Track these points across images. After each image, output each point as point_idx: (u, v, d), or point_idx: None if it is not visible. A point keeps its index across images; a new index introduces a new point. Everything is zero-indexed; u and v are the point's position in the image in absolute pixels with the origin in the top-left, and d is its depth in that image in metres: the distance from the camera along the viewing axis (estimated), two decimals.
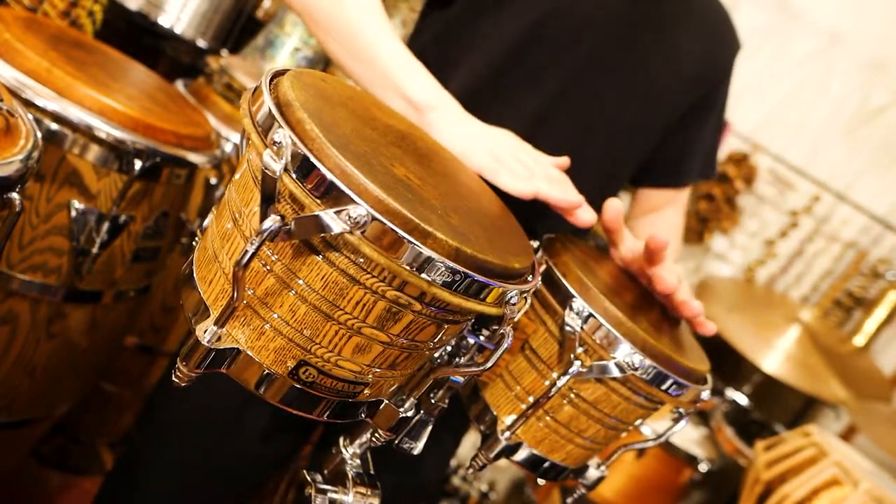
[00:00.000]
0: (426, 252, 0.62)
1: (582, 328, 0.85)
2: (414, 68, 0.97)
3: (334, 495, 0.87)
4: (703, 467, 2.29)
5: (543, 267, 0.90)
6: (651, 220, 1.34)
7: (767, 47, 2.97)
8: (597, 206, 1.32)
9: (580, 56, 1.13)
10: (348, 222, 0.59)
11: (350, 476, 0.89)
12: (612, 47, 1.14)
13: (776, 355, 2.58)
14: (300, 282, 0.65)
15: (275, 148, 0.61)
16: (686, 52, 1.20)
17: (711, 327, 0.99)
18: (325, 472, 0.92)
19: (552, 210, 0.94)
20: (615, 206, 0.96)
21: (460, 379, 0.84)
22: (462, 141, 0.92)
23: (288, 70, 0.74)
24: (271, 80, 0.71)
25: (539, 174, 0.95)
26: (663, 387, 0.86)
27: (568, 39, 1.13)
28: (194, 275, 0.74)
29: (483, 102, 1.06)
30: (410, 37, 1.24)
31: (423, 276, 0.62)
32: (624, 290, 0.98)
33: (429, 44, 1.18)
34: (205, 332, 0.67)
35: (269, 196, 0.62)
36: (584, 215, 0.94)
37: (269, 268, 0.66)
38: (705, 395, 0.91)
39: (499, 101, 1.13)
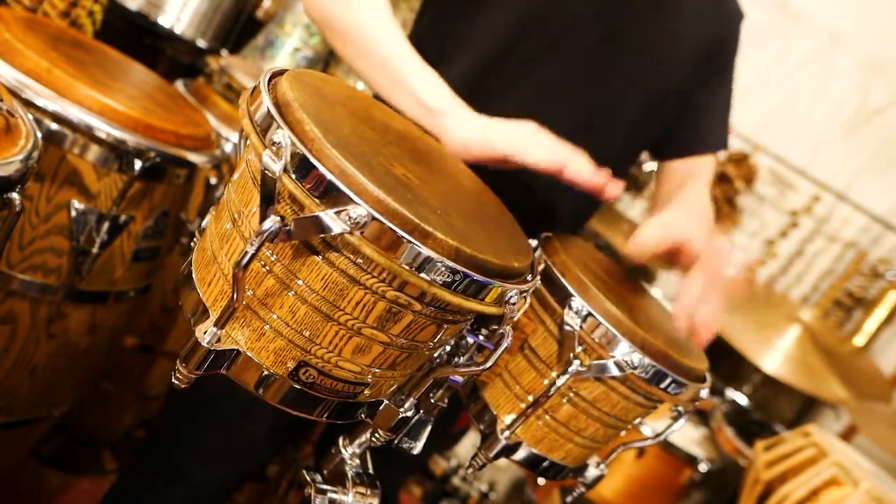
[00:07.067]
0: (426, 252, 0.62)
1: (581, 327, 0.85)
2: (428, 75, 0.98)
3: (334, 495, 0.87)
4: (703, 467, 2.28)
5: (542, 266, 0.90)
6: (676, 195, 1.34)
7: (767, 47, 2.97)
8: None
9: (579, 42, 1.13)
10: (348, 223, 0.59)
11: (350, 476, 0.89)
12: (613, 31, 1.14)
13: (776, 355, 2.58)
14: (300, 282, 0.65)
15: (274, 148, 0.61)
16: (689, 28, 1.20)
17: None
18: (325, 472, 0.92)
19: (551, 209, 0.94)
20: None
21: (460, 378, 0.84)
22: (482, 130, 0.92)
23: (287, 70, 0.74)
24: (270, 80, 0.71)
25: (565, 151, 0.93)
26: (662, 385, 0.86)
27: (566, 26, 1.12)
28: (193, 276, 0.74)
29: (482, 92, 1.06)
30: (409, 34, 1.24)
31: (423, 275, 0.63)
32: (623, 289, 0.98)
33: (426, 35, 1.17)
34: (204, 333, 0.67)
35: (269, 196, 0.62)
36: (612, 189, 0.93)
37: (268, 269, 0.66)
38: (704, 393, 0.92)
39: (497, 92, 1.13)
